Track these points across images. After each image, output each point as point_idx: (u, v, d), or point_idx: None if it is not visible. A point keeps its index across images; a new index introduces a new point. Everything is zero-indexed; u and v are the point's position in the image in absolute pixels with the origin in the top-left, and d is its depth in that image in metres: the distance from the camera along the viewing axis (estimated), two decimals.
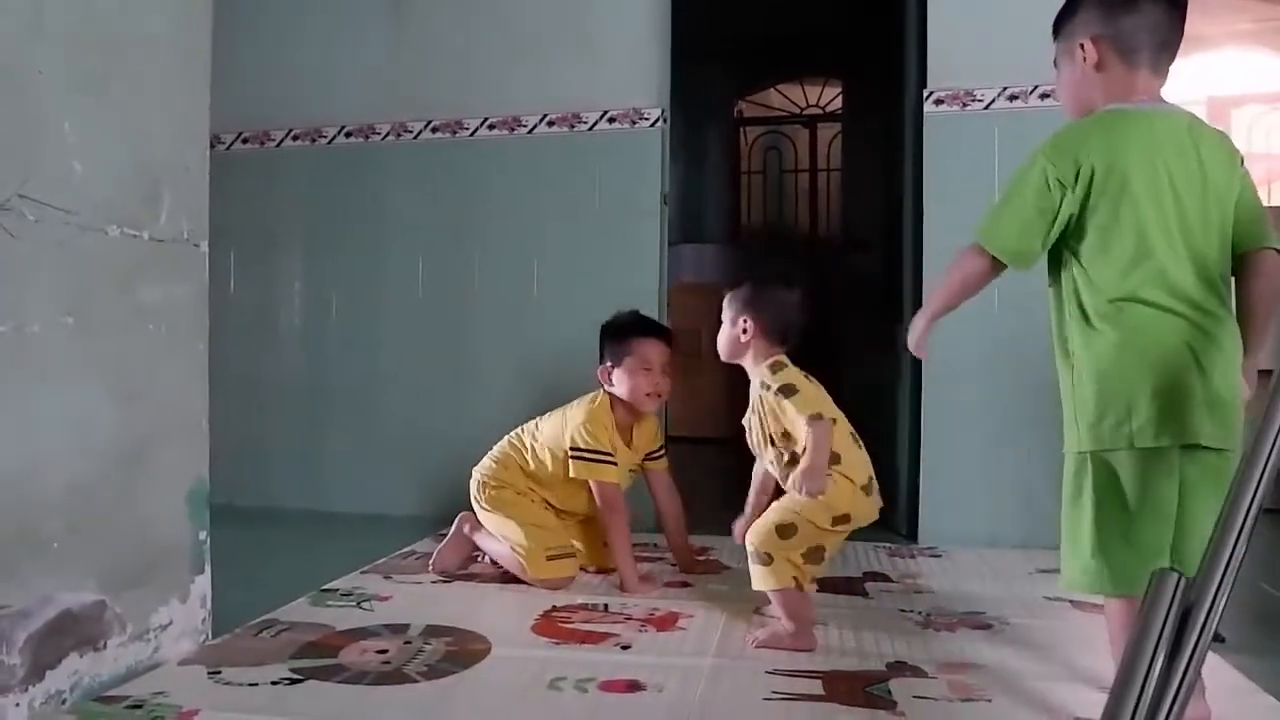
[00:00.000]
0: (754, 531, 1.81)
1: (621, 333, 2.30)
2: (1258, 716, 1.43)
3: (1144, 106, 1.42)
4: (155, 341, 1.62)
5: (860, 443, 1.86)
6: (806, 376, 1.90)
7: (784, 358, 1.92)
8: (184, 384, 1.70)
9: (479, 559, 2.35)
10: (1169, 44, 1.44)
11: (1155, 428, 1.33)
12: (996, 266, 1.47)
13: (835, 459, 1.79)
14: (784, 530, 1.77)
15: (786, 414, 1.83)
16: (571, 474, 2.21)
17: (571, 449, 2.21)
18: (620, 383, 2.25)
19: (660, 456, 2.37)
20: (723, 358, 2.00)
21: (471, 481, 2.33)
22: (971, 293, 1.53)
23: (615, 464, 2.21)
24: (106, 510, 1.53)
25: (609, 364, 2.28)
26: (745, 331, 1.93)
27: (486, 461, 2.35)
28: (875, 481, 1.85)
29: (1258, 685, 1.55)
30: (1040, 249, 1.45)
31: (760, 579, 1.79)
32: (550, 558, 2.16)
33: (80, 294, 1.47)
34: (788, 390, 1.84)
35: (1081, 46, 1.46)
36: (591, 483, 2.21)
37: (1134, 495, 1.35)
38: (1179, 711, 0.63)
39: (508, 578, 2.22)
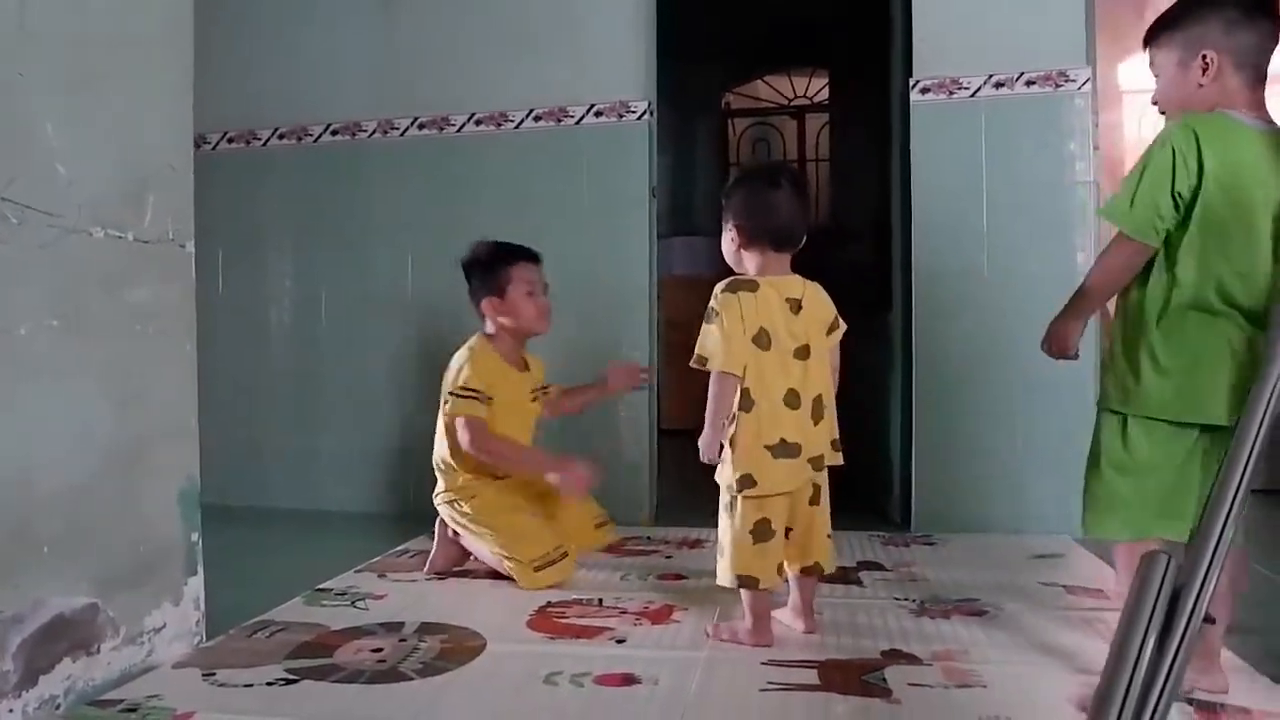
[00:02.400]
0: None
1: (493, 263, 2.28)
2: (1253, 696, 1.44)
3: (1257, 123, 1.46)
4: (143, 343, 1.61)
5: (799, 404, 1.70)
6: (790, 304, 1.72)
7: (760, 278, 1.73)
8: (173, 385, 1.69)
9: (472, 557, 2.34)
10: (1269, 58, 1.50)
11: (1178, 404, 1.46)
12: (1146, 249, 1.49)
13: (747, 407, 1.68)
14: (728, 509, 1.73)
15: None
16: (447, 412, 2.22)
17: (451, 392, 2.21)
18: (512, 310, 2.26)
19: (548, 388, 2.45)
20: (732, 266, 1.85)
21: (439, 508, 2.30)
22: (1125, 282, 1.55)
23: (482, 401, 2.19)
24: (97, 513, 1.52)
25: (493, 296, 2.26)
26: (734, 240, 1.79)
27: (440, 481, 2.30)
28: (803, 447, 1.69)
29: (1252, 666, 1.56)
30: (1168, 227, 1.47)
31: (718, 573, 1.75)
32: (538, 568, 2.12)
33: (66, 296, 1.47)
34: (709, 315, 1.72)
35: (1204, 58, 1.48)
36: (460, 421, 2.17)
37: (1144, 454, 1.49)
38: (1171, 691, 0.63)
39: (501, 574, 2.21)
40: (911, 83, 2.79)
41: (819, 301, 1.78)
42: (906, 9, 2.83)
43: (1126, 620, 0.65)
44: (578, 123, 3.02)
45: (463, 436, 2.18)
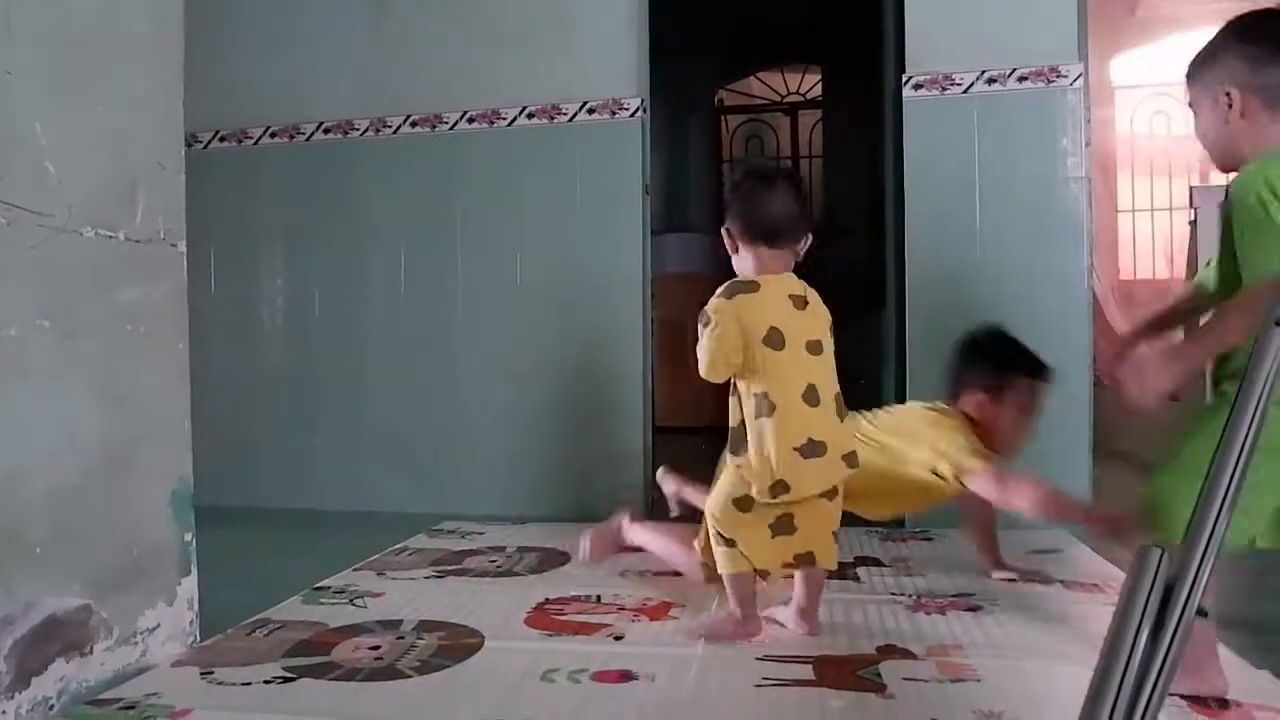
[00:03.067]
0: (710, 505, 1.74)
1: (1014, 364, 2.02)
2: (1250, 691, 1.44)
3: None
4: (134, 343, 1.61)
5: (819, 401, 1.66)
6: (794, 300, 1.70)
7: (760, 277, 1.72)
8: (165, 385, 1.69)
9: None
10: None
11: None
12: None
13: (768, 411, 1.64)
14: (741, 503, 1.68)
15: None
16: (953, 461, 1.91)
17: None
18: (997, 419, 2.01)
19: None
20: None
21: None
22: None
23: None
24: (89, 514, 1.51)
25: (990, 392, 2.01)
26: (729, 242, 1.79)
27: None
28: (831, 445, 1.66)
29: (1248, 661, 1.57)
30: None
31: (718, 561, 1.73)
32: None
33: (57, 297, 1.46)
34: (703, 318, 1.70)
35: (1228, 95, 1.44)
36: (984, 473, 1.88)
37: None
38: (1164, 684, 0.63)
39: (500, 572, 2.21)
40: (904, 79, 2.79)
41: (819, 301, 1.77)
42: (899, 5, 2.84)
43: (1120, 614, 0.66)
44: (570, 120, 3.02)
45: (989, 488, 1.88)
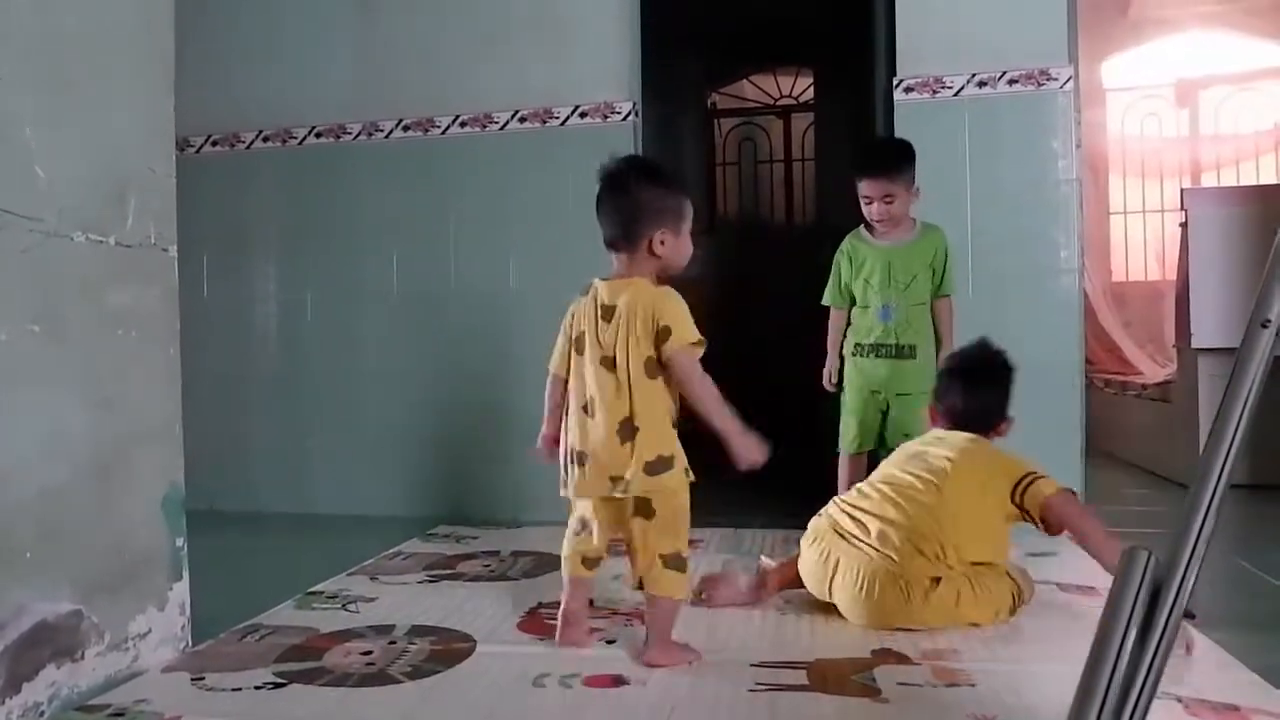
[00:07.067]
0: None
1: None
2: (1239, 691, 1.45)
3: None
4: (125, 347, 1.61)
5: (594, 415, 1.63)
6: (602, 310, 1.69)
7: (601, 281, 1.73)
8: (156, 389, 1.68)
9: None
10: None
11: None
12: None
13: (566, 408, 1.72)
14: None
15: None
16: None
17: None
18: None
19: None
20: None
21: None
22: None
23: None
24: (80, 518, 1.51)
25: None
26: None
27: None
28: (593, 460, 1.63)
29: (1238, 660, 1.57)
30: None
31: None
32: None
33: (47, 301, 1.46)
34: None
35: None
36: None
37: None
38: (1152, 686, 0.63)
39: (493, 576, 2.21)
40: (895, 82, 2.80)
41: (639, 309, 1.63)
42: (890, 8, 2.84)
43: (1107, 617, 0.66)
44: (562, 124, 3.02)
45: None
